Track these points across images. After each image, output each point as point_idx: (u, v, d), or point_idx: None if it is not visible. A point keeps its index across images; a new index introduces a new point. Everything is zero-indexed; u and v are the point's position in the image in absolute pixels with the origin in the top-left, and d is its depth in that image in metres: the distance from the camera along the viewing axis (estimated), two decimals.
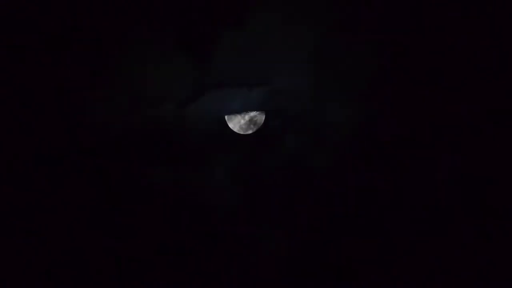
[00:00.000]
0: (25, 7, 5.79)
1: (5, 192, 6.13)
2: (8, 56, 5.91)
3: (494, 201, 6.34)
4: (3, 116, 6.04)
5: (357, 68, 6.31)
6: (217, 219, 6.62)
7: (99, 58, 6.01)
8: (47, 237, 6.25)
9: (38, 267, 6.23)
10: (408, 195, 6.51)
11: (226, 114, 6.47)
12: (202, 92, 6.28)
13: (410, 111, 6.37)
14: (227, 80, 6.23)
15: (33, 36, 5.87)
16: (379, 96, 6.38)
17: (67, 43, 5.94)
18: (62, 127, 6.17)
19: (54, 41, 5.91)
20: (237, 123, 6.47)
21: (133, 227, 6.44)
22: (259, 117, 6.48)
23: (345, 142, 6.53)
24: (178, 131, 6.41)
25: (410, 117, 6.39)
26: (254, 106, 6.42)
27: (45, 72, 5.99)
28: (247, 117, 6.45)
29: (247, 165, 6.65)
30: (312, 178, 6.61)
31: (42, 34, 5.87)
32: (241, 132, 6.51)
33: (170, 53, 6.08)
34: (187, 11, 5.97)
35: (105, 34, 5.93)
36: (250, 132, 6.51)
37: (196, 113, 6.37)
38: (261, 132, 6.55)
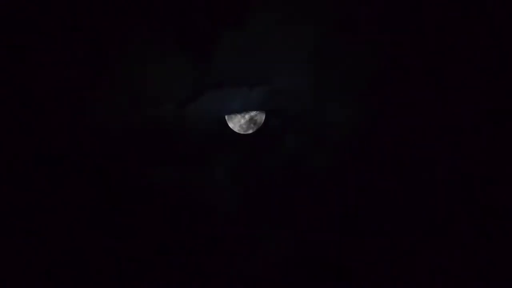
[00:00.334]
0: (25, 7, 5.79)
1: (5, 192, 6.13)
2: (8, 56, 5.91)
3: (494, 201, 6.34)
4: (3, 116, 6.04)
5: (357, 68, 6.31)
6: (217, 219, 6.62)
7: (99, 58, 6.01)
8: (47, 237, 6.25)
9: (38, 267, 6.23)
10: (408, 195, 6.51)
11: (226, 114, 6.47)
12: (202, 92, 6.28)
13: (410, 111, 6.37)
14: (227, 80, 6.23)
15: (33, 36, 5.87)
16: (379, 96, 6.38)
17: (67, 43, 5.94)
18: (62, 127, 6.17)
19: (54, 41, 5.91)
20: (237, 123, 6.47)
21: (133, 227, 6.44)
22: (259, 116, 6.49)
23: (345, 142, 6.54)
24: (178, 131, 6.41)
25: (410, 117, 6.39)
26: (254, 106, 6.42)
27: (45, 72, 5.99)
28: (247, 116, 6.45)
29: (247, 165, 6.65)
30: (312, 178, 6.61)
31: (42, 34, 5.87)
32: (241, 132, 6.51)
33: (170, 53, 6.08)
34: (187, 11, 5.97)
35: (105, 34, 5.93)
36: (250, 131, 6.51)
37: (196, 113, 6.37)
38: (261, 132, 6.55)
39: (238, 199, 6.64)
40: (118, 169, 6.37)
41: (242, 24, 5.99)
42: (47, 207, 6.25)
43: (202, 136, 6.49)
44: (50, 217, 6.25)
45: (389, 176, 6.50)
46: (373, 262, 6.54)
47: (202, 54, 6.10)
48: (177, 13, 5.96)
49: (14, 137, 6.09)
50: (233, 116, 6.46)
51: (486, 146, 6.32)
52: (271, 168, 6.64)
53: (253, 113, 6.47)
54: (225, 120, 6.48)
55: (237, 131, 6.51)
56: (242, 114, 6.45)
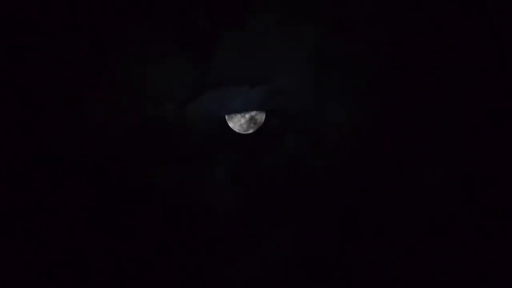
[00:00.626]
0: (25, 7, 5.79)
1: (5, 192, 6.13)
2: (8, 56, 5.90)
3: (494, 201, 6.34)
4: (3, 116, 6.04)
5: (357, 68, 6.31)
6: (217, 219, 6.62)
7: (99, 58, 6.01)
8: (47, 237, 6.25)
9: (38, 267, 6.23)
10: (408, 195, 6.51)
11: (226, 114, 6.47)
12: (202, 92, 6.28)
13: (410, 111, 6.37)
14: (227, 80, 6.23)
15: (33, 36, 5.86)
16: (379, 96, 6.38)
17: (67, 43, 5.94)
18: (62, 127, 6.17)
19: (54, 41, 5.91)
20: (237, 122, 6.47)
21: (133, 227, 6.44)
22: (259, 116, 6.49)
23: (345, 142, 6.54)
24: (178, 131, 6.41)
25: (410, 117, 6.39)
26: (254, 105, 6.42)
27: (45, 72, 5.98)
28: (247, 116, 6.45)
29: (247, 165, 6.65)
30: (312, 178, 6.61)
31: (42, 34, 5.87)
32: (242, 131, 6.51)
33: (170, 53, 6.08)
34: (187, 11, 5.97)
35: (105, 34, 5.93)
36: (250, 131, 6.51)
37: (196, 113, 6.37)
38: (261, 132, 6.55)
39: (238, 199, 6.64)
40: (118, 169, 6.37)
41: (242, 24, 5.99)
42: (47, 207, 6.25)
43: (202, 136, 6.49)
44: (50, 217, 6.25)
45: (389, 176, 6.50)
46: (373, 262, 6.54)
47: (202, 54, 6.10)
48: (177, 13, 5.96)
49: (14, 137, 6.09)
50: (233, 115, 6.46)
51: (486, 146, 6.31)
52: (271, 168, 6.64)
53: (253, 112, 6.47)
54: (225, 120, 6.48)
55: (237, 131, 6.51)
56: (242, 114, 6.45)
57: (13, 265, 6.17)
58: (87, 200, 6.35)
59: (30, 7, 5.79)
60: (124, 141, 6.33)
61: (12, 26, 5.82)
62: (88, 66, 6.02)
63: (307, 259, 6.61)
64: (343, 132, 6.52)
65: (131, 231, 6.44)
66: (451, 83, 6.28)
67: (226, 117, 6.48)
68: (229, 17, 5.98)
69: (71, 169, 6.28)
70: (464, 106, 6.30)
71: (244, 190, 6.66)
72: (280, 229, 6.66)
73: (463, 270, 6.39)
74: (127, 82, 6.18)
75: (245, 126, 6.48)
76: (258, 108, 6.45)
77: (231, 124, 6.49)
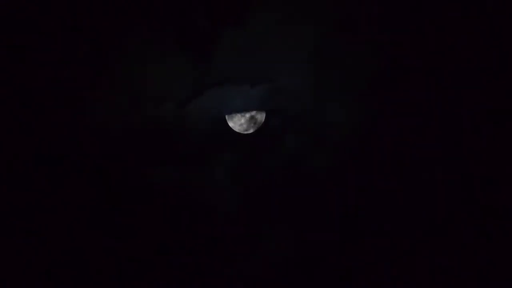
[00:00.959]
0: (25, 7, 5.79)
1: (5, 192, 6.13)
2: (8, 56, 5.90)
3: (494, 201, 6.34)
4: (3, 116, 6.04)
5: (357, 68, 6.31)
6: (217, 219, 6.62)
7: (99, 58, 6.01)
8: (47, 237, 6.25)
9: (38, 267, 6.23)
10: (408, 195, 6.51)
11: (227, 114, 6.48)
12: (202, 92, 6.28)
13: (410, 111, 6.37)
14: (227, 80, 6.23)
15: (33, 36, 5.86)
16: (379, 96, 6.38)
17: (67, 43, 5.94)
18: (62, 127, 6.17)
19: (54, 41, 5.91)
20: (237, 122, 6.47)
21: (133, 227, 6.44)
22: (259, 115, 6.49)
23: (345, 142, 6.54)
24: (178, 131, 6.41)
25: (410, 117, 6.39)
26: (255, 105, 6.42)
27: (45, 72, 5.99)
28: (247, 115, 6.45)
29: (247, 165, 6.65)
30: (312, 178, 6.61)
31: (42, 34, 5.87)
32: (242, 131, 6.51)
33: (170, 53, 6.08)
34: (187, 11, 5.97)
35: (105, 34, 5.93)
36: (251, 130, 6.51)
37: (196, 113, 6.37)
38: (261, 132, 6.55)
39: (238, 199, 6.64)
40: (118, 169, 6.37)
41: (242, 24, 5.99)
42: (47, 207, 6.25)
43: (202, 136, 6.49)
44: (50, 217, 6.25)
45: (389, 176, 6.50)
46: (373, 262, 6.54)
47: (202, 54, 6.10)
48: (177, 13, 5.96)
49: (14, 137, 6.09)
50: (233, 115, 6.46)
51: (486, 146, 6.31)
52: (271, 168, 6.64)
53: (253, 112, 6.47)
54: (225, 119, 6.48)
55: (237, 131, 6.51)
56: (242, 114, 6.45)
57: (13, 265, 6.17)
58: (87, 200, 6.35)
59: (30, 7, 5.79)
60: (124, 141, 6.33)
61: (12, 26, 5.82)
62: (88, 66, 6.03)
63: (307, 259, 6.61)
64: (343, 132, 6.52)
65: (131, 231, 6.44)
66: (451, 83, 6.28)
67: (226, 117, 6.48)
68: (229, 17, 5.98)
69: (71, 169, 6.28)
70: (464, 106, 6.30)
71: (244, 190, 6.66)
72: (280, 229, 6.66)
73: (463, 270, 6.39)
74: (127, 82, 6.18)
75: (245, 125, 6.48)
76: (258, 108, 6.45)
77: (231, 124, 6.49)
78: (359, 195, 6.57)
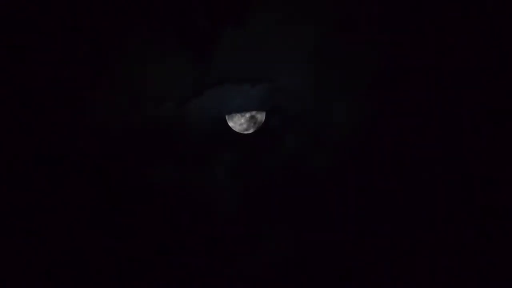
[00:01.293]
0: (25, 7, 5.79)
1: (5, 192, 6.13)
2: (8, 56, 5.90)
3: (494, 201, 6.34)
4: (3, 116, 6.04)
5: (357, 68, 6.31)
6: (217, 219, 6.62)
7: (99, 58, 6.01)
8: (47, 237, 6.25)
9: (38, 267, 6.23)
10: (408, 195, 6.51)
11: (227, 113, 6.48)
12: (202, 92, 6.28)
13: (410, 111, 6.37)
14: (227, 80, 6.23)
15: (33, 36, 5.87)
16: (379, 96, 6.38)
17: (67, 43, 5.94)
18: (62, 127, 6.17)
19: (54, 41, 5.91)
20: (237, 122, 6.47)
21: (133, 227, 6.44)
22: (259, 115, 6.49)
23: (345, 142, 6.54)
24: (178, 130, 6.41)
25: (410, 117, 6.39)
26: (255, 105, 6.42)
27: (45, 72, 5.99)
28: (248, 115, 6.45)
29: (247, 165, 6.65)
30: (312, 178, 6.61)
31: (42, 34, 5.87)
32: (242, 131, 6.51)
33: (170, 53, 6.08)
34: (187, 11, 5.97)
35: (105, 34, 5.93)
36: (251, 130, 6.51)
37: (196, 113, 6.37)
38: (261, 132, 6.55)
39: (238, 199, 6.64)
40: (118, 169, 6.37)
41: (242, 24, 5.99)
42: (47, 207, 6.25)
43: (202, 136, 6.49)
44: (50, 217, 6.25)
45: (389, 176, 6.50)
46: (373, 262, 6.54)
47: (202, 54, 6.10)
48: (177, 13, 5.96)
49: (14, 137, 6.09)
50: (233, 115, 6.47)
51: (486, 146, 6.31)
52: (271, 168, 6.64)
53: (253, 112, 6.47)
54: (225, 119, 6.48)
55: (237, 131, 6.51)
56: (242, 113, 6.45)
57: (13, 265, 6.17)
58: (87, 200, 6.35)
59: (30, 7, 5.79)
60: (124, 141, 6.33)
61: (12, 26, 5.82)
62: (88, 66, 6.03)
63: (307, 259, 6.61)
64: (343, 132, 6.52)
65: (131, 231, 6.44)
66: (451, 83, 6.28)
67: (226, 116, 6.48)
68: (229, 17, 5.98)
69: (71, 169, 6.28)
70: (464, 106, 6.30)
71: (244, 190, 6.66)
72: (280, 229, 6.66)
73: (463, 270, 6.39)
74: (127, 82, 6.18)
75: (245, 125, 6.48)
76: (258, 108, 6.45)
77: (231, 124, 6.49)
78: (359, 195, 6.57)
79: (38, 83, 6.02)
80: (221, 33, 6.03)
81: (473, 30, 6.11)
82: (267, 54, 6.15)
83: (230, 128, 6.50)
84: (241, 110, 6.44)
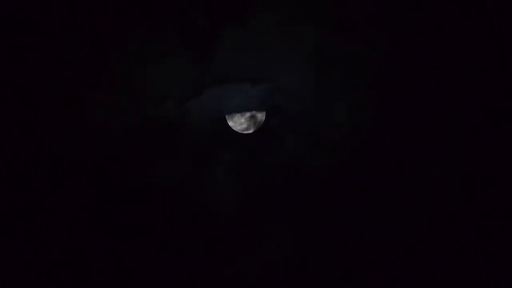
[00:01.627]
0: (25, 7, 5.79)
1: (5, 192, 6.13)
2: (8, 56, 5.90)
3: (494, 201, 6.34)
4: (3, 116, 6.04)
5: (357, 68, 6.31)
6: (217, 219, 6.62)
7: (99, 58, 6.01)
8: (47, 237, 6.25)
9: (38, 267, 6.23)
10: (408, 195, 6.51)
11: (227, 113, 6.48)
12: (202, 92, 6.28)
13: (410, 111, 6.37)
14: (227, 80, 6.23)
15: (33, 36, 5.87)
16: (379, 96, 6.38)
17: (67, 43, 5.94)
18: (62, 127, 6.17)
19: (54, 41, 5.91)
20: (237, 121, 6.47)
21: (133, 227, 6.44)
22: (259, 115, 6.49)
23: (345, 142, 6.53)
24: (178, 130, 6.41)
25: (410, 117, 6.39)
26: (255, 104, 6.42)
27: (45, 72, 5.99)
28: (248, 114, 6.45)
29: (247, 165, 6.65)
30: (312, 178, 6.61)
31: (42, 34, 5.87)
32: (242, 130, 6.51)
33: (170, 53, 6.08)
34: (188, 11, 5.97)
35: (105, 34, 5.93)
36: (251, 130, 6.51)
37: (196, 113, 6.37)
38: (261, 132, 6.55)
39: (238, 199, 6.64)
40: (118, 169, 6.37)
41: (242, 24, 5.99)
42: (47, 207, 6.25)
43: (202, 135, 6.49)
44: (50, 217, 6.25)
45: (389, 176, 6.50)
46: (373, 262, 6.54)
47: (202, 54, 6.10)
48: (177, 13, 5.96)
49: (14, 137, 6.09)
50: (233, 115, 6.47)
51: (486, 146, 6.31)
52: (271, 168, 6.64)
53: (253, 111, 6.47)
54: (226, 119, 6.48)
55: (237, 130, 6.51)
56: (243, 113, 6.46)
57: (13, 265, 6.17)
58: (87, 200, 6.35)
59: (30, 7, 5.80)
60: (124, 141, 6.33)
61: (12, 26, 5.82)
62: (88, 66, 6.03)
63: (307, 259, 6.61)
64: (343, 132, 6.52)
65: (131, 231, 6.44)
66: (451, 83, 6.28)
67: (226, 116, 6.48)
68: (229, 17, 5.98)
69: (71, 169, 6.28)
70: (464, 106, 6.30)
71: (244, 190, 6.65)
72: (280, 229, 6.66)
73: (463, 270, 6.39)
74: (127, 82, 6.18)
75: (245, 125, 6.48)
76: (258, 107, 6.45)
77: (231, 123, 6.49)
78: (359, 195, 6.56)
79: (38, 83, 6.02)
80: (221, 33, 6.03)
81: (473, 30, 6.11)
82: (267, 54, 6.15)
83: (230, 127, 6.50)
84: (241, 109, 6.44)
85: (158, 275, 6.48)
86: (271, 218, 6.67)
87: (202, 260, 6.55)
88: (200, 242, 6.57)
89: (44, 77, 6.00)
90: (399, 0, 6.07)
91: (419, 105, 6.35)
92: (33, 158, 6.18)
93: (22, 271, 6.20)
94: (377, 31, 6.18)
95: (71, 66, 6.00)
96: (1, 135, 6.06)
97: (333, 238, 6.57)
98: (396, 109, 6.38)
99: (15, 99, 6.03)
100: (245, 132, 6.53)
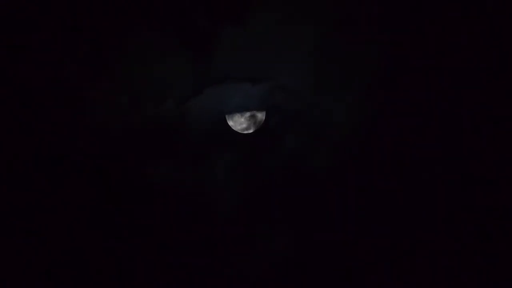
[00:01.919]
0: (25, 7, 5.79)
1: (5, 192, 6.13)
2: (8, 56, 5.91)
3: (494, 201, 6.34)
4: (3, 116, 6.04)
5: (357, 68, 6.31)
6: (217, 219, 6.62)
7: (99, 58, 6.02)
8: (47, 237, 6.25)
9: (38, 267, 6.23)
10: (408, 195, 6.51)
11: (227, 113, 6.48)
12: (202, 92, 6.28)
13: (410, 111, 6.37)
14: (227, 79, 6.24)
15: (33, 36, 5.87)
16: (379, 96, 6.38)
17: (67, 43, 5.94)
18: (62, 127, 6.17)
19: (54, 41, 5.91)
20: (237, 121, 6.47)
21: (133, 227, 6.44)
22: (259, 114, 6.49)
23: (345, 142, 6.53)
24: (178, 130, 6.41)
25: (410, 117, 6.39)
26: (255, 104, 6.42)
27: (45, 72, 5.99)
28: (248, 114, 6.45)
29: (247, 165, 6.65)
30: (312, 178, 6.61)
31: (42, 34, 5.87)
32: (242, 130, 6.51)
33: (170, 53, 6.08)
34: (188, 10, 5.97)
35: (105, 34, 5.93)
36: (251, 130, 6.51)
37: (196, 112, 6.37)
38: (261, 131, 6.55)
39: (238, 199, 6.64)
40: (118, 169, 6.37)
41: (242, 24, 6.00)
42: (47, 207, 6.25)
43: (202, 135, 6.49)
44: (50, 217, 6.25)
45: (389, 176, 6.50)
46: (373, 262, 6.54)
47: (202, 54, 6.11)
48: (177, 13, 5.97)
49: (14, 137, 6.09)
50: (233, 114, 6.47)
51: (486, 146, 6.31)
52: (271, 168, 6.64)
53: (253, 111, 6.47)
54: (226, 118, 6.49)
55: (237, 130, 6.51)
56: (243, 113, 6.46)
57: (13, 265, 6.17)
58: (87, 200, 6.35)
59: (30, 7, 5.80)
60: (124, 141, 6.33)
61: (12, 26, 5.82)
62: (88, 66, 6.03)
63: (307, 259, 6.61)
64: (343, 132, 6.52)
65: (131, 231, 6.44)
66: (451, 83, 6.28)
67: (226, 116, 6.48)
68: (229, 16, 5.98)
69: (71, 169, 6.28)
70: (464, 106, 6.30)
71: (244, 190, 6.65)
72: (280, 229, 6.66)
73: (463, 270, 6.39)
74: (127, 82, 6.18)
75: (245, 124, 6.48)
76: (258, 107, 6.45)
77: (231, 123, 6.49)
78: (359, 195, 6.56)
79: (38, 83, 6.02)
80: (221, 33, 6.03)
81: (473, 30, 6.11)
82: (267, 54, 6.16)
83: (230, 127, 6.50)
84: (241, 109, 6.44)
85: (158, 275, 6.48)
86: (271, 218, 6.67)
87: (202, 260, 6.55)
88: (200, 242, 6.57)
89: (44, 77, 6.00)
90: (399, 0, 6.08)
91: (419, 105, 6.36)
92: (33, 158, 6.18)
93: (22, 271, 6.20)
94: (377, 31, 6.18)
95: (71, 66, 6.00)
96: (1, 135, 6.06)
97: (333, 238, 6.57)
98: (396, 109, 6.38)
99: (15, 99, 6.03)
100: (245, 132, 6.53)
